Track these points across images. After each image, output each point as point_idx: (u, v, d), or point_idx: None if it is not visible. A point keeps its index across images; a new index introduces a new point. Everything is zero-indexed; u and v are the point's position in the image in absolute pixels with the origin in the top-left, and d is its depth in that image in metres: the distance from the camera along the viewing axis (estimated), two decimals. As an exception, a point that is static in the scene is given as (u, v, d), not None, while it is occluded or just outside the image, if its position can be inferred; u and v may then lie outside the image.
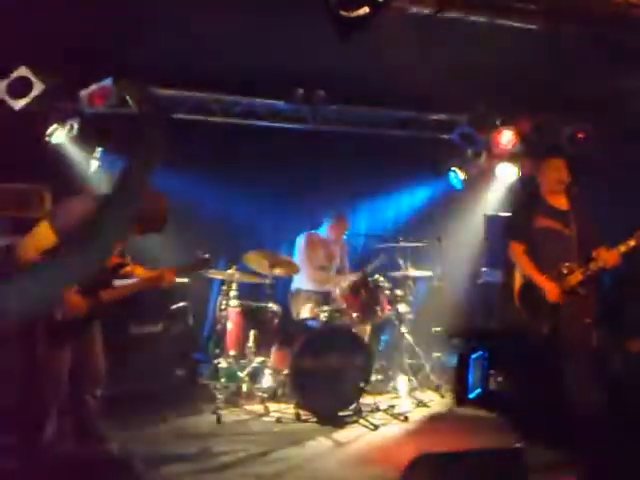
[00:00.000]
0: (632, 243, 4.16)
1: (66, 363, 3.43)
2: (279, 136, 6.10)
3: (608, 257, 4.20)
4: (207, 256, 4.15)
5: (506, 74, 4.77)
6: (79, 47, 4.38)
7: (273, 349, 5.38)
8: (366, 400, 5.16)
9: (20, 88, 4.49)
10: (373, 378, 5.35)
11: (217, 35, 4.18)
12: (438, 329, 6.09)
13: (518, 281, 4.59)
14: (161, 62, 4.66)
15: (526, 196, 5.26)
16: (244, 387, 5.18)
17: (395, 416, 5.02)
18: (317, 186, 6.41)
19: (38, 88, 4.53)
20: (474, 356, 1.42)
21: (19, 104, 4.55)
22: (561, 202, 4.56)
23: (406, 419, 4.96)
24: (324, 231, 6.12)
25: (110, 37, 4.25)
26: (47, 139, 4.84)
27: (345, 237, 6.21)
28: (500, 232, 5.93)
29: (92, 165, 4.97)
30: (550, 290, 4.35)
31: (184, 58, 4.49)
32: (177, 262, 5.18)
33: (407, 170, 6.54)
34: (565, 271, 4.35)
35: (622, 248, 4.18)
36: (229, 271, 5.44)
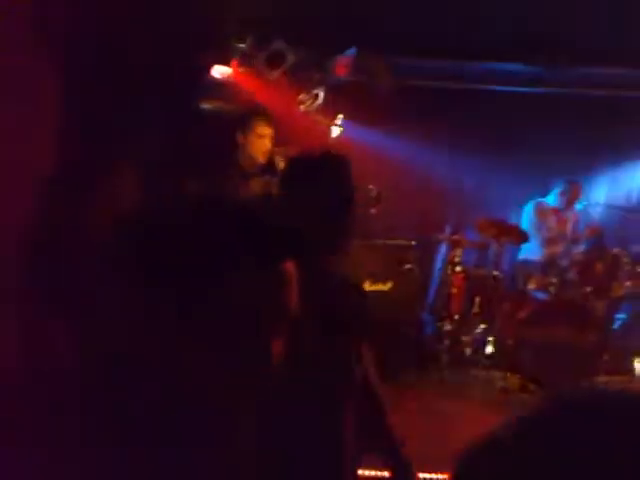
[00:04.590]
0: None
1: None
2: (507, 101, 5.90)
3: None
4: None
5: None
6: (327, 17, 4.67)
7: (497, 317, 5.33)
8: (599, 380, 4.89)
9: (276, 60, 4.93)
10: (606, 358, 5.04)
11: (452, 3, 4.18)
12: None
13: None
14: (402, 31, 4.78)
15: None
16: (467, 351, 5.23)
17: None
18: (549, 152, 6.08)
19: (291, 60, 4.93)
20: None
21: (274, 74, 5.01)
22: None
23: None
24: (554, 199, 5.83)
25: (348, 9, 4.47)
26: (298, 107, 5.26)
27: (580, 207, 5.86)
28: None
29: (334, 131, 5.29)
30: None
31: (424, 27, 4.56)
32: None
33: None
34: None
35: None
36: (455, 237, 5.48)
